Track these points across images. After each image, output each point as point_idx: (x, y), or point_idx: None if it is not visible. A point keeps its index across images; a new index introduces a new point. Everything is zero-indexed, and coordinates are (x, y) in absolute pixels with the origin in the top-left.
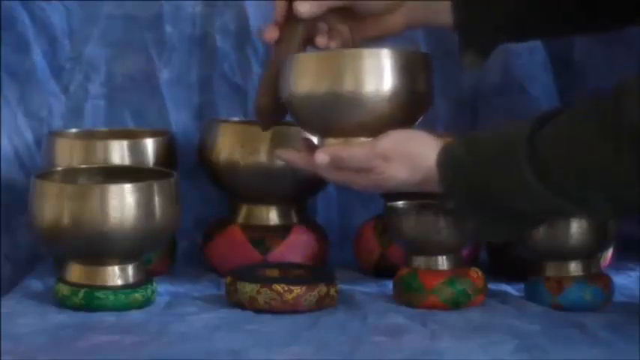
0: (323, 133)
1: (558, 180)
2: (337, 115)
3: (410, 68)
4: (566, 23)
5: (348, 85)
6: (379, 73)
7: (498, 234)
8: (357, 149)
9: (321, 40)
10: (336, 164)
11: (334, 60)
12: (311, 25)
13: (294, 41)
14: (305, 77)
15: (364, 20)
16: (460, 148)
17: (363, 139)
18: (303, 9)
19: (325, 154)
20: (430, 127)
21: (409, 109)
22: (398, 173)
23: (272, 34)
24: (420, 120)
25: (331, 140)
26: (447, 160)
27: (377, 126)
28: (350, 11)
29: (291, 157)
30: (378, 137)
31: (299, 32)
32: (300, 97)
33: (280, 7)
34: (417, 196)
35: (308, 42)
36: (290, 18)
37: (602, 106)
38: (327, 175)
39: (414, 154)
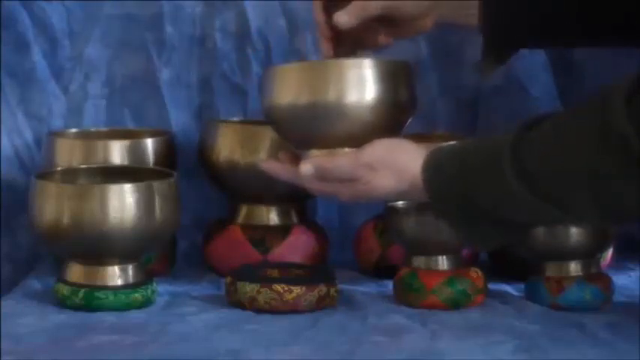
0: (306, 145)
1: (544, 187)
2: (320, 126)
3: (392, 77)
4: (591, 35)
5: (330, 96)
6: (361, 83)
7: (487, 242)
8: (342, 159)
9: (382, 37)
10: (321, 175)
11: (316, 71)
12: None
13: (353, 48)
14: (287, 88)
15: (397, 24)
16: (445, 156)
17: (347, 149)
18: (342, 20)
19: (310, 164)
20: (431, 127)
21: (392, 118)
22: (384, 183)
23: (327, 51)
24: (415, 122)
25: (315, 152)
26: (432, 169)
27: (361, 136)
28: (385, 17)
29: (275, 168)
30: (363, 147)
31: (353, 38)
32: (282, 109)
33: (321, 22)
34: (401, 200)
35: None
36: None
37: (588, 112)
38: (311, 187)
39: (399, 163)
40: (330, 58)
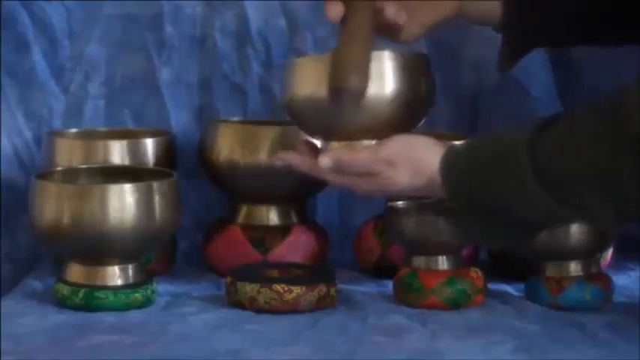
0: (325, 137)
1: (559, 187)
2: (339, 119)
3: (411, 70)
4: (612, 34)
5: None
6: (381, 76)
7: (499, 240)
8: (362, 154)
9: (390, 10)
10: (340, 168)
11: None
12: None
13: (363, 21)
14: (307, 80)
15: (421, 5)
16: (462, 153)
17: (366, 141)
18: None
19: (329, 158)
20: (431, 127)
21: (411, 110)
22: (402, 178)
23: (335, 10)
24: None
25: (334, 144)
26: (449, 166)
27: (380, 128)
28: None
29: (293, 159)
30: (383, 142)
31: (369, 11)
32: (302, 101)
33: None
34: (417, 196)
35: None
36: None
37: (603, 112)
38: (330, 179)
39: (418, 159)
40: (338, 20)
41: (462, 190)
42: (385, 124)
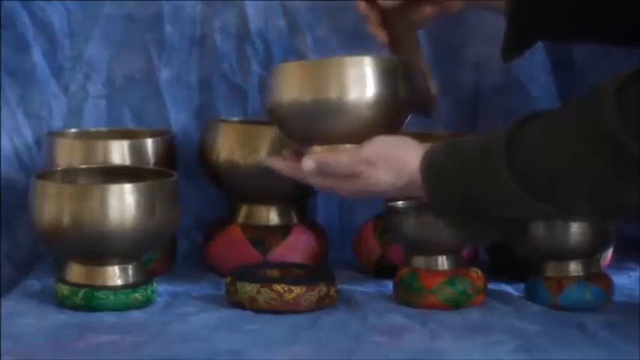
0: (308, 141)
1: (536, 184)
2: (322, 123)
3: (391, 75)
4: (616, 33)
5: (332, 93)
6: (362, 81)
7: (485, 237)
8: (343, 156)
9: (427, 8)
10: (323, 171)
11: (318, 69)
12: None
13: (404, 28)
14: (289, 86)
15: (429, 2)
16: (441, 153)
17: (348, 145)
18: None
19: (312, 160)
20: (431, 127)
21: (392, 114)
22: (383, 178)
23: (382, 36)
24: (416, 122)
25: (317, 148)
26: (429, 166)
27: (361, 132)
28: None
29: (278, 165)
30: (363, 143)
31: (401, 18)
32: (285, 106)
33: (367, 12)
34: (401, 197)
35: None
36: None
37: (578, 110)
38: (314, 182)
39: (397, 158)
40: (387, 42)
41: (442, 190)
42: (367, 128)
